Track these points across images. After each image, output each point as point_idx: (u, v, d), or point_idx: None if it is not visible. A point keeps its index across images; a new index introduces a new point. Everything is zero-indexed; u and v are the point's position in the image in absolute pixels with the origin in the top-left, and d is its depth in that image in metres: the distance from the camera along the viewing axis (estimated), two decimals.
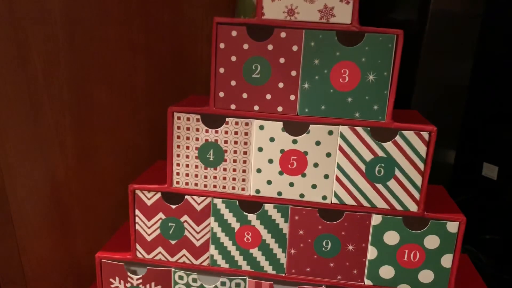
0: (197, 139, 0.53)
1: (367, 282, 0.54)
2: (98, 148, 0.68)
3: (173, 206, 0.55)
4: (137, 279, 0.58)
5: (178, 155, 0.54)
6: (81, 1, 0.61)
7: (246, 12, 0.64)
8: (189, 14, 0.68)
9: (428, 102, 0.84)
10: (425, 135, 0.49)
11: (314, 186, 0.52)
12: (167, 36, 0.68)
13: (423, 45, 0.81)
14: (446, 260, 0.52)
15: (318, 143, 0.51)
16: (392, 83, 0.48)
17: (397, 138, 0.50)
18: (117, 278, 0.58)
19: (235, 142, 0.52)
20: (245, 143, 0.52)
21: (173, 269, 0.57)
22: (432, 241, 0.52)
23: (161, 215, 0.56)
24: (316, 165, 0.52)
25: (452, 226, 0.51)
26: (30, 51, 0.60)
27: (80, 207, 0.70)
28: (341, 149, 0.51)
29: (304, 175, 0.52)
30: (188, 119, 0.52)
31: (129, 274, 0.58)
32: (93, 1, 0.62)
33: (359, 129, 0.50)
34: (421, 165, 0.50)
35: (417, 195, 0.51)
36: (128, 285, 0.58)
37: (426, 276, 0.53)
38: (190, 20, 0.69)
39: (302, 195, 0.53)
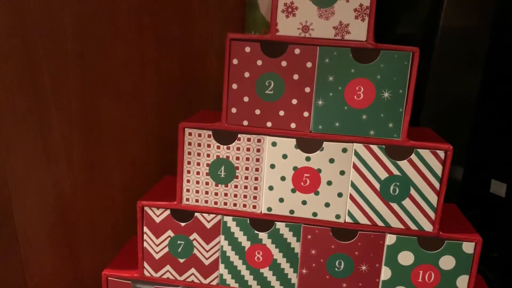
0: (208, 155, 0.52)
1: None
2: (106, 162, 0.67)
3: (182, 224, 0.54)
4: None
5: (188, 172, 0.53)
6: (92, 15, 0.61)
7: (257, 28, 0.64)
8: (199, 28, 0.68)
9: (437, 119, 0.83)
10: (441, 153, 0.48)
11: (327, 205, 0.51)
12: (176, 50, 0.68)
13: (432, 61, 0.81)
14: (462, 282, 0.51)
15: (332, 160, 0.50)
16: (407, 100, 0.48)
17: (413, 157, 0.49)
18: None
19: (247, 159, 0.51)
20: (257, 160, 0.51)
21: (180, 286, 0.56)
22: (447, 262, 0.51)
23: (169, 233, 0.54)
24: (329, 183, 0.51)
25: (468, 247, 0.50)
26: (40, 65, 0.60)
27: (86, 222, 0.68)
28: (355, 167, 0.50)
29: (317, 193, 0.51)
30: (199, 135, 0.51)
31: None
32: (104, 15, 0.62)
33: (374, 147, 0.49)
34: (436, 184, 0.49)
35: (432, 214, 0.50)
36: None
37: None
38: (199, 35, 0.69)
39: (315, 214, 0.52)
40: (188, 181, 0.53)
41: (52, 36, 0.59)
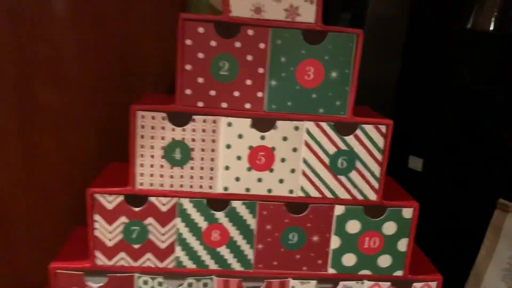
0: (162, 138, 0.51)
1: (331, 270, 0.57)
2: (44, 151, 0.63)
3: (137, 209, 0.53)
4: (95, 286, 0.55)
5: (142, 155, 0.52)
6: None
7: (200, 10, 0.64)
8: (136, 9, 0.66)
9: (361, 101, 0.90)
10: (383, 128, 0.53)
11: (281, 181, 0.53)
12: (115, 33, 0.65)
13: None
14: (402, 244, 0.56)
15: (285, 138, 0.52)
16: (353, 80, 0.51)
17: (358, 132, 0.53)
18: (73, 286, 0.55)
19: (203, 140, 0.52)
20: (213, 141, 0.52)
21: (136, 274, 0.55)
22: (389, 227, 0.56)
23: (123, 219, 0.53)
24: (283, 160, 0.53)
25: (407, 212, 0.55)
26: None
27: (24, 216, 0.64)
28: (306, 144, 0.53)
29: (271, 170, 0.53)
30: (153, 117, 0.51)
31: (88, 283, 0.55)
32: None
33: (323, 124, 0.52)
34: (379, 157, 0.54)
35: (376, 185, 0.54)
36: None
37: (384, 260, 0.57)
38: (137, 16, 0.67)
39: (269, 190, 0.54)
40: (141, 165, 0.52)
41: None
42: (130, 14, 0.66)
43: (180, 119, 0.51)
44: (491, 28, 0.80)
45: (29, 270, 0.66)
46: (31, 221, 0.65)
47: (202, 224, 0.54)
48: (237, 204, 0.54)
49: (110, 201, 0.53)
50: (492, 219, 0.74)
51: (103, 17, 0.63)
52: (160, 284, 0.55)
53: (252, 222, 0.54)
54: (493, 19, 0.80)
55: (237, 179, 0.53)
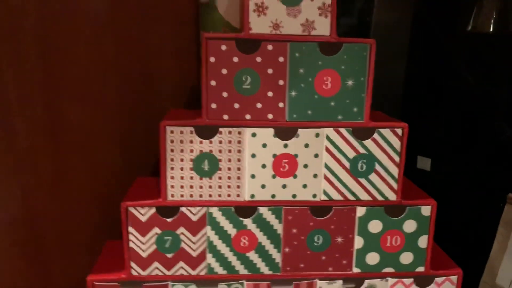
0: (191, 150, 0.54)
1: (355, 270, 0.59)
2: (73, 169, 0.66)
3: (169, 219, 0.56)
4: None
5: (172, 168, 0.55)
6: (53, 20, 0.60)
7: (216, 27, 0.67)
8: (156, 29, 0.69)
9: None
10: (399, 131, 0.56)
11: (304, 186, 0.56)
12: (135, 52, 0.68)
13: None
14: (423, 241, 0.59)
15: (306, 145, 0.55)
16: (368, 86, 0.54)
17: (375, 136, 0.56)
18: None
19: (229, 151, 0.54)
20: (239, 151, 0.55)
21: (170, 283, 0.58)
22: (410, 225, 0.58)
23: (156, 230, 0.56)
24: (306, 166, 0.56)
25: (426, 210, 0.58)
26: (2, 73, 0.57)
27: (56, 231, 0.67)
28: (327, 149, 0.55)
29: (295, 177, 0.56)
30: (181, 132, 0.54)
31: None
32: (65, 19, 0.61)
33: (342, 130, 0.55)
34: (397, 158, 0.56)
35: (395, 185, 0.57)
36: None
37: (406, 257, 0.59)
38: (157, 36, 0.70)
39: (294, 195, 0.56)
40: (172, 177, 0.55)
41: (14, 41, 0.57)
42: (149, 34, 0.69)
43: (207, 132, 0.54)
44: (491, 29, 0.83)
45: (62, 282, 0.69)
46: (63, 235, 0.67)
47: (231, 231, 0.57)
48: (263, 211, 0.56)
49: (143, 213, 0.55)
50: (503, 214, 0.77)
51: (124, 38, 0.66)
52: None
53: (278, 227, 0.57)
54: (492, 20, 0.83)
55: (263, 186, 0.56)
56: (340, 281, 0.59)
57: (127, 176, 0.67)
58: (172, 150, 0.54)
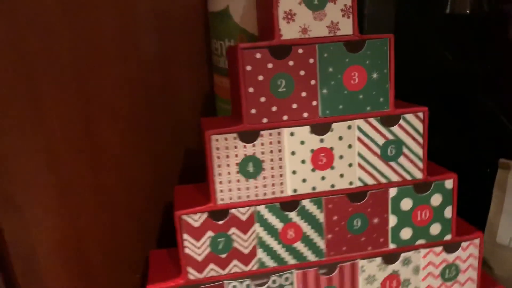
0: (236, 155, 0.57)
1: (392, 246, 0.64)
2: (110, 187, 0.68)
3: (220, 222, 0.59)
4: None
5: (220, 174, 0.58)
6: (85, 42, 0.61)
7: (232, 35, 0.69)
8: (171, 40, 0.72)
9: None
10: (421, 115, 0.61)
11: (341, 175, 0.61)
12: (154, 66, 0.70)
13: None
14: (448, 212, 0.65)
15: (340, 138, 0.59)
16: (390, 77, 0.59)
17: (401, 122, 0.60)
18: None
19: (271, 151, 0.58)
20: (279, 151, 0.58)
21: (225, 281, 0.61)
22: (436, 199, 0.64)
23: (210, 233, 0.59)
24: (341, 157, 0.60)
25: (449, 184, 0.64)
26: (46, 107, 0.59)
27: (101, 250, 0.68)
28: (359, 139, 0.60)
29: (332, 168, 0.60)
30: (226, 139, 0.57)
31: None
32: (92, 41, 0.62)
33: (372, 120, 0.60)
34: (420, 140, 0.62)
35: (421, 164, 0.62)
36: None
37: (435, 228, 0.65)
38: (172, 47, 0.72)
39: (332, 185, 0.61)
40: (220, 182, 0.58)
41: (55, 74, 0.58)
42: (165, 46, 0.71)
43: (249, 136, 0.57)
44: (468, 10, 0.90)
45: None
46: (108, 253, 0.69)
47: (278, 225, 0.61)
48: (306, 203, 0.61)
49: (196, 219, 0.58)
50: (496, 178, 0.84)
51: (143, 53, 0.68)
52: (248, 286, 0.61)
53: (320, 216, 0.61)
54: (468, 2, 0.90)
55: (304, 180, 0.60)
56: (380, 258, 0.64)
57: (158, 187, 0.69)
58: (218, 157, 0.57)
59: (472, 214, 0.86)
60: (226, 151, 0.57)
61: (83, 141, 0.64)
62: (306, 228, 0.61)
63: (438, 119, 0.74)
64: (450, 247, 0.66)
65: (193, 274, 0.60)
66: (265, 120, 0.57)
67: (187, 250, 0.59)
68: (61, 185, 0.62)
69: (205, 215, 0.58)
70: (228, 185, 0.58)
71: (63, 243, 0.64)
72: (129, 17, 0.67)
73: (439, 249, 0.66)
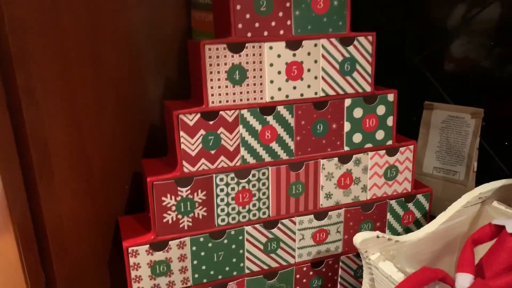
0: (225, 64, 0.68)
1: (346, 148, 0.79)
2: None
3: (211, 122, 0.70)
4: (186, 191, 0.71)
5: (211, 80, 0.68)
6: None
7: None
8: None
9: None
10: (370, 38, 0.76)
11: (309, 86, 0.74)
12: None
13: None
14: (390, 121, 0.81)
15: (309, 54, 0.73)
16: (347, 5, 0.73)
17: (355, 43, 0.75)
18: (168, 195, 0.70)
19: (253, 62, 0.70)
20: (260, 62, 0.70)
21: (214, 174, 0.72)
22: (381, 109, 0.80)
23: (202, 132, 0.70)
24: (309, 70, 0.73)
25: (391, 97, 0.80)
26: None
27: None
28: (323, 56, 0.74)
29: (302, 79, 0.73)
30: (217, 49, 0.68)
31: (178, 188, 0.70)
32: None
33: (333, 40, 0.74)
34: (370, 59, 0.77)
35: (369, 79, 0.78)
36: (179, 198, 0.71)
37: (380, 134, 0.81)
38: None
39: (302, 94, 0.74)
40: (211, 87, 0.69)
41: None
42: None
43: (236, 47, 0.68)
44: None
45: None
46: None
47: (258, 127, 0.73)
48: (281, 109, 0.73)
49: (190, 119, 0.68)
50: (422, 117, 1.02)
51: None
52: (232, 178, 0.73)
53: (291, 120, 0.74)
54: None
55: (279, 89, 0.72)
56: (336, 158, 0.79)
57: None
58: (210, 65, 0.68)
59: None
60: (217, 60, 0.68)
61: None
62: (280, 130, 0.74)
63: (381, 72, 0.89)
64: (391, 151, 0.82)
65: (187, 167, 0.70)
66: (249, 34, 0.69)
67: (182, 146, 0.69)
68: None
69: (198, 116, 0.69)
70: (218, 90, 0.69)
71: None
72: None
73: (382, 152, 0.82)
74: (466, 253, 0.67)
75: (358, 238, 0.65)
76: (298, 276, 0.80)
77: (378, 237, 0.65)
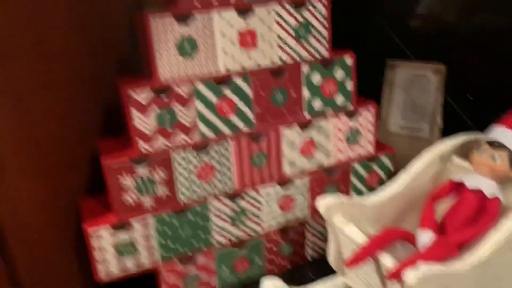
0: (174, 36, 0.66)
1: (307, 116, 0.79)
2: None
3: (164, 98, 0.68)
4: (144, 170, 0.69)
5: (160, 53, 0.66)
6: None
7: None
8: None
9: None
10: (324, 0, 0.74)
11: (265, 55, 0.72)
12: None
13: None
14: (349, 85, 0.80)
15: (262, 21, 0.70)
16: None
17: (310, 7, 0.73)
18: (125, 176, 0.68)
19: (204, 33, 0.67)
20: (211, 31, 0.68)
21: (173, 152, 0.70)
22: (340, 74, 0.78)
23: (155, 108, 0.67)
24: (263, 38, 0.71)
25: (349, 60, 0.79)
26: None
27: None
28: (277, 22, 0.71)
29: (257, 48, 0.71)
30: (163, 20, 0.64)
31: (136, 168, 0.68)
32: None
33: (287, 5, 0.71)
34: (325, 23, 0.75)
35: (326, 44, 0.76)
36: (137, 178, 0.69)
37: (340, 100, 0.80)
38: None
39: (258, 64, 0.72)
40: (161, 61, 0.66)
41: None
42: None
43: (183, 17, 0.65)
44: None
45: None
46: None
47: (215, 100, 0.71)
48: (237, 80, 0.71)
49: (142, 96, 0.66)
50: (385, 76, 1.01)
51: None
52: (192, 155, 0.71)
53: (249, 92, 0.73)
54: None
55: (234, 59, 0.70)
56: (297, 126, 0.78)
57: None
58: (158, 37, 0.65)
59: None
60: (164, 32, 0.65)
61: None
62: (238, 102, 0.72)
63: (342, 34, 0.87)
64: (352, 114, 0.82)
65: (143, 146, 0.68)
66: (197, 4, 0.66)
67: (136, 124, 0.67)
68: None
69: (150, 92, 0.66)
70: (168, 64, 0.66)
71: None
72: None
73: (343, 116, 0.81)
74: (426, 210, 0.68)
75: (321, 203, 0.66)
76: (268, 244, 0.81)
77: (340, 201, 0.66)
